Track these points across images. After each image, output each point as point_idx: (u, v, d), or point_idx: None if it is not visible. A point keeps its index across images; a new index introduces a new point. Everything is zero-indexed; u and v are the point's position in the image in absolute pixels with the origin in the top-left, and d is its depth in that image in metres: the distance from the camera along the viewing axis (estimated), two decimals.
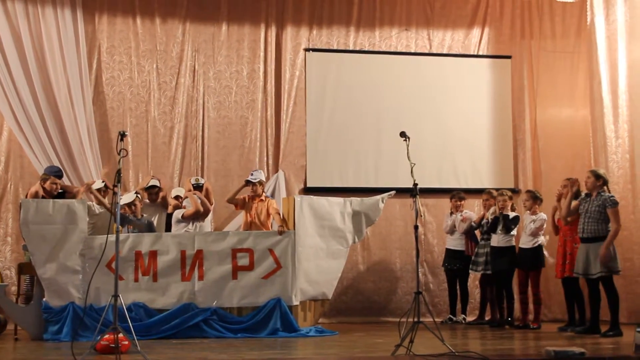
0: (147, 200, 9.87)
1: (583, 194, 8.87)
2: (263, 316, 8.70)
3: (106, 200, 9.23)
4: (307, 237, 9.03)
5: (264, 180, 9.99)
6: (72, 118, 10.55)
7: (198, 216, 9.63)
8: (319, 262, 9.14)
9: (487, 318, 10.50)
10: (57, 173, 9.64)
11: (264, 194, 9.75)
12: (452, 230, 10.66)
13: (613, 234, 8.44)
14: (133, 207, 9.25)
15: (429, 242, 11.50)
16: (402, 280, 11.36)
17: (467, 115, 11.74)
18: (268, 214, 9.55)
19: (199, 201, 9.61)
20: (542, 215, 9.64)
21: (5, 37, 10.42)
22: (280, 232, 8.95)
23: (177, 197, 9.99)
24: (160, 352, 7.11)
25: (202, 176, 10.73)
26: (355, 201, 9.45)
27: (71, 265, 8.53)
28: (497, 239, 9.87)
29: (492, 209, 10.09)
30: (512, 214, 9.87)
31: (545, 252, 9.79)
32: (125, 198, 9.16)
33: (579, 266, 8.63)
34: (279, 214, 9.46)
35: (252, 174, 9.71)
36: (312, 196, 9.50)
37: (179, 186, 10.64)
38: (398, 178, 10.72)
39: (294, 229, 8.98)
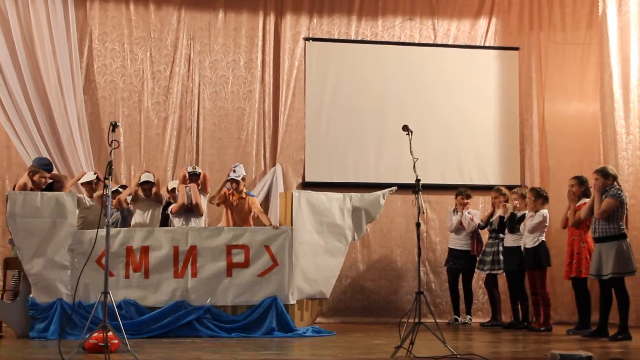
0: (142, 195, 9.65)
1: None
2: (258, 315, 8.60)
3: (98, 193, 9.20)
4: (304, 233, 8.93)
5: (245, 174, 9.76)
6: (62, 107, 10.43)
7: (188, 210, 9.47)
8: (317, 259, 9.04)
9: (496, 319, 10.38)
10: (46, 167, 9.48)
11: (244, 190, 9.59)
12: (458, 229, 10.47)
13: (589, 205, 8.50)
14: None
15: (431, 240, 11.37)
16: (403, 279, 11.22)
17: (472, 109, 11.59)
18: (249, 211, 9.42)
19: (187, 194, 9.45)
20: (543, 212, 9.48)
21: None
22: (275, 227, 8.87)
23: (172, 190, 9.86)
24: (151, 351, 7.08)
25: None
26: (355, 197, 9.35)
27: (59, 261, 8.45)
28: (507, 239, 9.82)
29: (507, 207, 10.00)
30: (520, 213, 9.74)
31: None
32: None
33: (592, 267, 8.49)
34: (264, 214, 9.43)
35: (234, 170, 9.50)
36: (310, 191, 9.35)
37: (173, 179, 10.52)
38: (400, 173, 10.64)
39: (292, 225, 8.85)
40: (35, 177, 9.17)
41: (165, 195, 9.79)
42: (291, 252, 8.74)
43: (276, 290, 8.67)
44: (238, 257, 8.66)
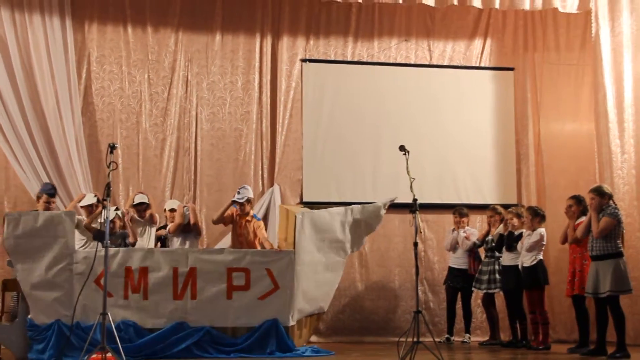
0: (136, 217, 9.68)
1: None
2: (258, 337, 8.44)
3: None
4: (306, 254, 8.76)
5: (252, 196, 9.68)
6: (60, 129, 10.35)
7: (187, 230, 9.45)
8: (317, 277, 8.89)
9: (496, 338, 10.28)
10: (49, 191, 9.43)
11: (251, 212, 9.52)
12: (454, 248, 10.46)
13: (585, 225, 8.51)
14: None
15: (429, 260, 11.28)
16: (401, 298, 11.13)
17: (468, 129, 11.56)
18: (255, 235, 9.33)
19: (185, 213, 9.45)
20: (540, 230, 9.45)
21: None
22: (277, 250, 8.77)
23: (172, 210, 9.81)
24: None
25: (195, 190, 10.73)
26: (357, 209, 9.18)
27: (58, 281, 8.24)
28: (505, 257, 9.73)
29: (500, 227, 9.96)
30: (517, 232, 9.67)
31: None
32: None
33: (589, 285, 8.46)
34: (269, 242, 9.27)
35: (238, 192, 9.43)
36: (313, 210, 9.22)
37: (171, 198, 10.51)
38: (397, 193, 10.22)
39: (294, 247, 8.70)
40: (39, 203, 9.26)
41: (163, 214, 9.75)
42: (293, 275, 8.56)
43: (277, 313, 8.50)
44: (238, 280, 8.48)
